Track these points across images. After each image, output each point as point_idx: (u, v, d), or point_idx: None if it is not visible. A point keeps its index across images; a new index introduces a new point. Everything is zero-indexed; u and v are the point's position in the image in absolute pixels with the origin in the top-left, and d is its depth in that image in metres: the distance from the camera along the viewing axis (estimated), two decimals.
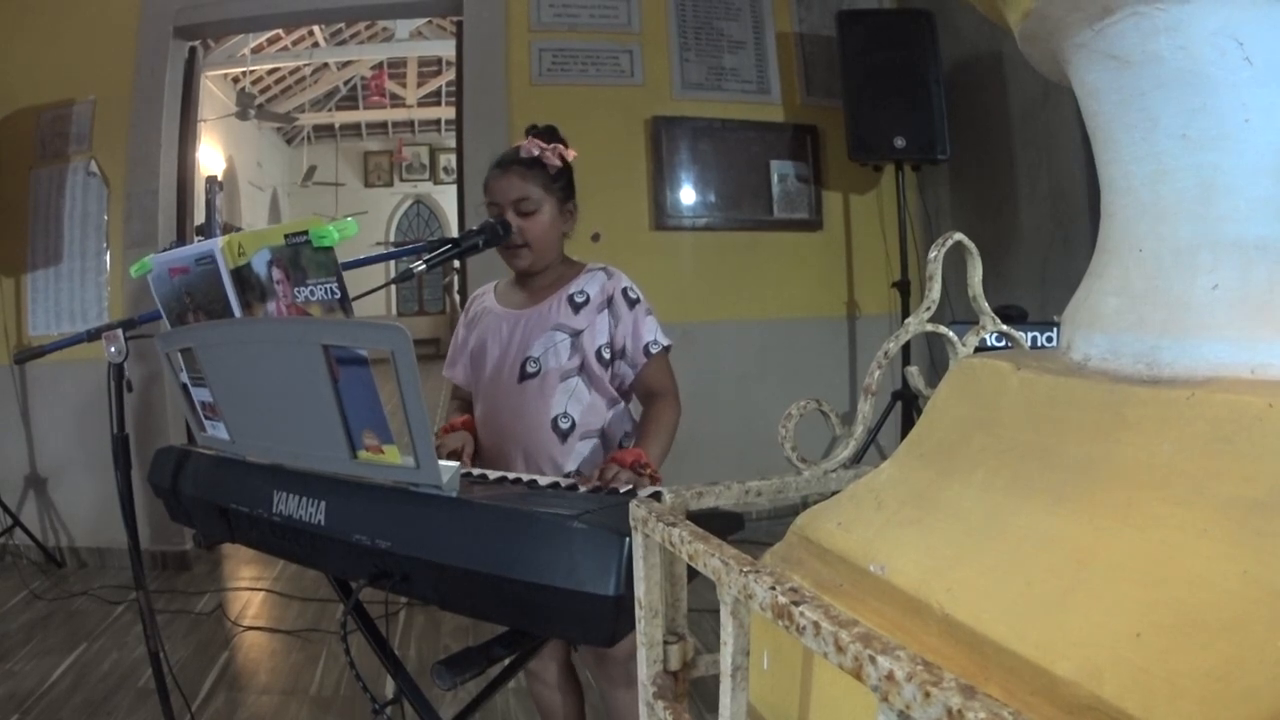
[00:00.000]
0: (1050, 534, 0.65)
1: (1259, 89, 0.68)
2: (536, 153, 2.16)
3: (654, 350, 2.17)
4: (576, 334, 2.14)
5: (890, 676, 0.49)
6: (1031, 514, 0.67)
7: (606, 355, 2.16)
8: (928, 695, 0.46)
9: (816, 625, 0.56)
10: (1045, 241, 4.75)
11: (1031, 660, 0.57)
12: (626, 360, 2.18)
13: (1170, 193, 0.72)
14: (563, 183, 2.21)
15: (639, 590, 0.90)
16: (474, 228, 2.09)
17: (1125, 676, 0.52)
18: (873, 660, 0.50)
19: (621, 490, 1.72)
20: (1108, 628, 0.55)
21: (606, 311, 2.17)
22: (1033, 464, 0.71)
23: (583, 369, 2.15)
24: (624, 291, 2.19)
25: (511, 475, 1.78)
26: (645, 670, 0.91)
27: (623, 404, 2.24)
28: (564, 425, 2.14)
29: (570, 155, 2.23)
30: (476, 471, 1.85)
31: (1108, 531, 0.61)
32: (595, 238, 4.61)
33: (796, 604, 0.58)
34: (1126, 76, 0.74)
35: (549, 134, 2.23)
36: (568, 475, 2.01)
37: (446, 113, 17.66)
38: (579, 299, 2.17)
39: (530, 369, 2.14)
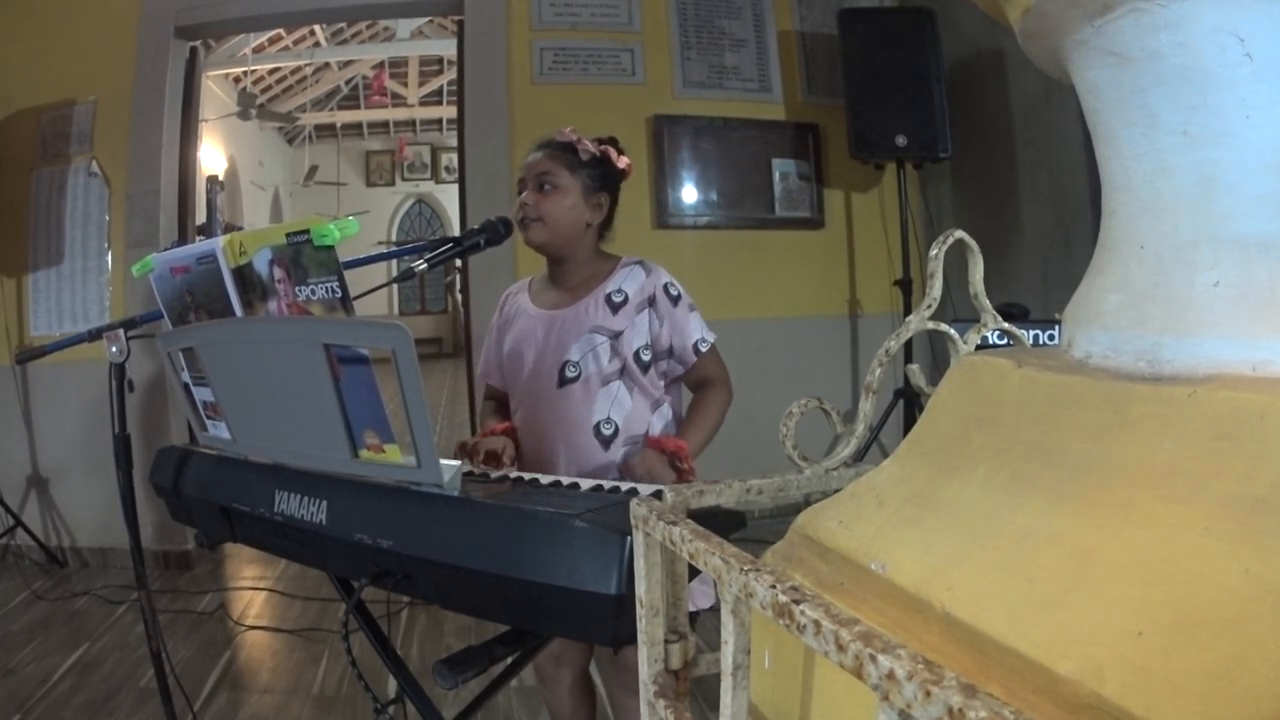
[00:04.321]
0: (1051, 532, 0.64)
1: (1259, 85, 0.68)
2: (573, 138, 2.16)
3: (703, 348, 2.16)
4: (616, 335, 2.10)
5: (891, 675, 0.49)
6: (1032, 512, 0.67)
7: (646, 357, 2.13)
8: (929, 694, 0.46)
9: (817, 624, 0.56)
10: (1046, 239, 4.75)
11: (1032, 659, 0.57)
12: (675, 359, 2.16)
13: (1171, 190, 0.72)
14: (594, 174, 2.17)
15: (640, 589, 0.89)
16: (475, 226, 2.08)
17: (1126, 675, 0.52)
18: (873, 659, 0.50)
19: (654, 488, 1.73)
20: (1109, 626, 0.55)
21: (648, 311, 2.13)
22: (1033, 462, 0.71)
23: (624, 372, 2.12)
24: (665, 289, 2.15)
25: (514, 474, 1.78)
26: (646, 669, 0.90)
27: (667, 406, 2.21)
28: (607, 431, 2.11)
29: (621, 161, 2.21)
30: (479, 470, 1.85)
31: (1108, 530, 0.61)
32: None
33: (797, 602, 0.58)
34: (1126, 73, 0.74)
35: (609, 143, 2.22)
36: (613, 480, 1.97)
37: (448, 112, 17.66)
38: (617, 298, 2.13)
39: (570, 373, 2.10)
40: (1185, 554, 0.56)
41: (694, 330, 2.15)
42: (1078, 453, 0.68)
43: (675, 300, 2.15)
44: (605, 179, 2.20)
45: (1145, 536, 0.59)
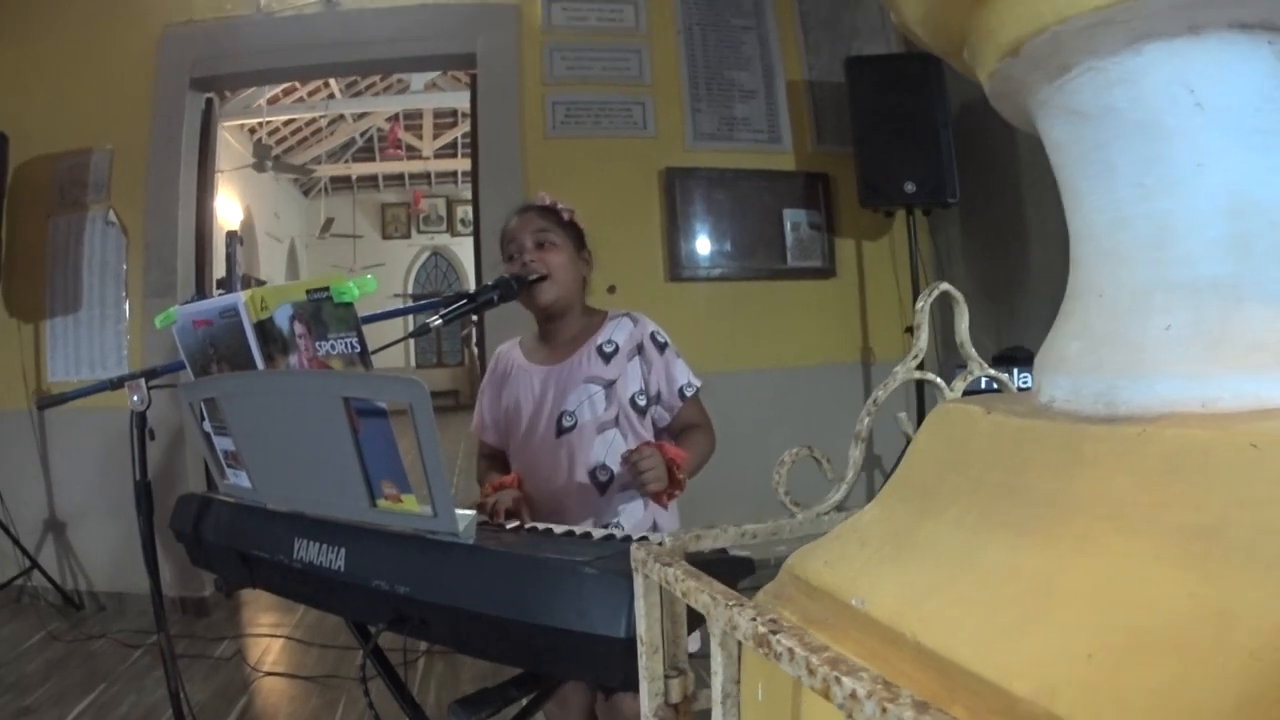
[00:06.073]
0: (1015, 566, 0.68)
1: (1211, 133, 0.71)
2: (549, 202, 2.27)
3: (689, 393, 2.23)
4: (609, 384, 2.18)
5: (854, 695, 0.53)
6: (998, 548, 0.71)
7: (642, 402, 2.20)
8: (884, 710, 0.50)
9: (791, 651, 0.61)
10: (1056, 281, 4.73)
11: (993, 681, 0.60)
12: (662, 404, 2.23)
13: (1128, 239, 0.76)
14: (575, 233, 2.28)
15: (640, 627, 0.94)
16: (489, 283, 2.13)
17: (1077, 694, 0.56)
18: (838, 680, 0.55)
19: (646, 479, 1.92)
20: (1063, 650, 0.59)
21: (638, 358, 2.22)
22: (1000, 501, 0.75)
23: (619, 419, 2.18)
24: (652, 336, 2.25)
25: (528, 524, 1.82)
26: (648, 703, 0.94)
27: None
28: (602, 477, 2.16)
29: (580, 223, 2.32)
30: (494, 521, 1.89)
31: (1066, 561, 0.65)
32: (611, 290, 4.61)
33: (774, 633, 0.63)
34: (1086, 129, 0.78)
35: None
36: (606, 526, 2.02)
37: (463, 164, 17.81)
38: (608, 349, 2.21)
39: (567, 422, 2.16)
40: (1136, 581, 0.60)
41: (679, 375, 2.25)
42: (1040, 491, 0.71)
43: (662, 347, 2.25)
44: (582, 238, 2.32)
45: (1099, 565, 0.63)
